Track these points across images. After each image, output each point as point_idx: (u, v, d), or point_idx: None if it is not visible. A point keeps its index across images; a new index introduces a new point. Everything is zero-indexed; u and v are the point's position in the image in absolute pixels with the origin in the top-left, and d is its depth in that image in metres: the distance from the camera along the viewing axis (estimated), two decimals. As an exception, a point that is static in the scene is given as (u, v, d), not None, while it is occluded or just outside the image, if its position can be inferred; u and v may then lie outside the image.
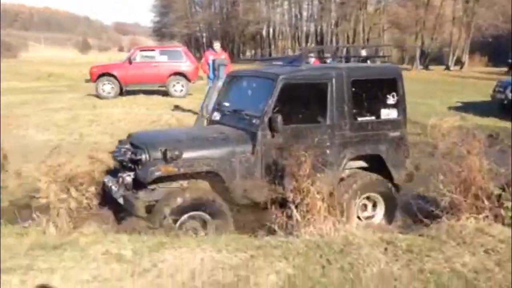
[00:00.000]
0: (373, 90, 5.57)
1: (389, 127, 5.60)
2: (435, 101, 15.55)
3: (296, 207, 4.51)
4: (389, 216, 5.59)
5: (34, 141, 7.56)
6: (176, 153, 4.71)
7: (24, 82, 21.41)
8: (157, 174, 4.68)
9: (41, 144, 6.24)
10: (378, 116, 5.57)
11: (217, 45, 12.16)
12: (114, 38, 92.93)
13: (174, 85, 16.29)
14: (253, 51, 57.02)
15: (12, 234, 4.30)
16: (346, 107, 5.36)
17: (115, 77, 15.28)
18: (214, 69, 8.18)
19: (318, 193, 4.43)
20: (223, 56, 11.46)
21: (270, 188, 4.99)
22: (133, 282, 3.32)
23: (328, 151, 5.29)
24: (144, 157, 4.84)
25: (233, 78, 6.12)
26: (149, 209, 4.77)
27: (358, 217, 5.46)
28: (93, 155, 6.26)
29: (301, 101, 5.40)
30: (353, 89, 5.41)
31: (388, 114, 5.61)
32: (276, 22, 52.90)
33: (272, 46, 53.41)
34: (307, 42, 50.51)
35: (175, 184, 4.96)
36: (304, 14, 50.54)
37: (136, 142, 5.18)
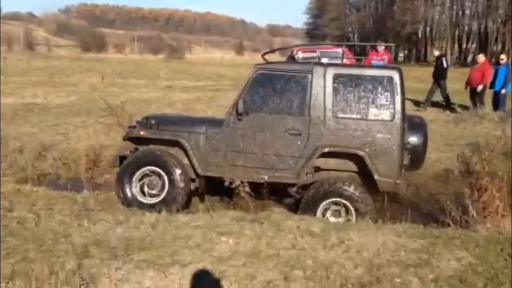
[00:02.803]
0: (363, 88, 5.21)
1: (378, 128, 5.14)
2: None
3: (472, 203, 4.65)
4: None
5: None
6: (153, 122, 5.67)
7: (191, 81, 23.39)
8: (131, 135, 5.79)
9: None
10: (365, 116, 5.18)
11: (380, 46, 12.26)
12: (266, 40, 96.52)
13: None
14: (406, 52, 55.06)
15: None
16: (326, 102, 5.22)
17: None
18: None
19: (497, 191, 4.50)
20: (385, 57, 11.48)
21: (231, 167, 5.46)
22: (326, 253, 3.82)
23: (299, 143, 5.28)
24: (137, 125, 5.93)
25: None
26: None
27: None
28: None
29: (276, 92, 5.40)
30: (336, 84, 5.22)
31: (377, 114, 5.16)
32: (434, 21, 50.41)
33: (428, 47, 51.06)
34: (468, 41, 47.41)
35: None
36: (467, 12, 47.41)
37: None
